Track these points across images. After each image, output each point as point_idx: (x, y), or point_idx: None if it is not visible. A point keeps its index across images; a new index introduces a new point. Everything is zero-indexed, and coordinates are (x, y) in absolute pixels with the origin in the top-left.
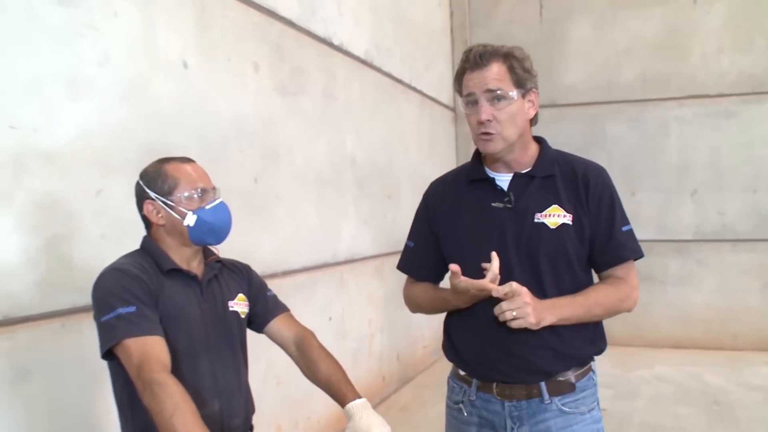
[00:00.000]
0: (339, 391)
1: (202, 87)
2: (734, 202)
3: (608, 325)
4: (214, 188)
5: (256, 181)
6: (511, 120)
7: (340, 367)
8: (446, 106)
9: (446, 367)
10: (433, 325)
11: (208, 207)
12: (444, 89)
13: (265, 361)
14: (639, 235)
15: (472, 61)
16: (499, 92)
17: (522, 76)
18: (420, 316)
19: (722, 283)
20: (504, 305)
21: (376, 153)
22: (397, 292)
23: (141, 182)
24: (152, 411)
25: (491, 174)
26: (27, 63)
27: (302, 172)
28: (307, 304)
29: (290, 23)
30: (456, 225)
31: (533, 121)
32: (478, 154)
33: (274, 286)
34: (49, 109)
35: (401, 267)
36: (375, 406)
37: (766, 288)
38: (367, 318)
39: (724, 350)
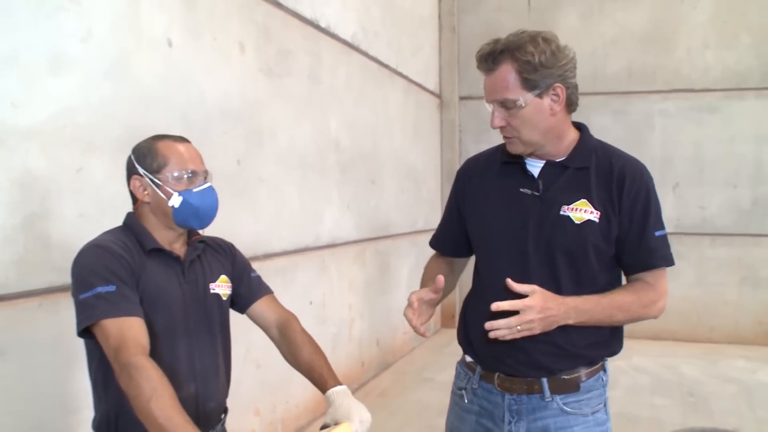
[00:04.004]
0: (320, 377)
1: (187, 66)
2: (715, 196)
3: None
4: (205, 171)
5: (239, 162)
6: (525, 124)
7: (321, 353)
8: (432, 93)
9: (425, 353)
10: None
11: (195, 190)
12: (430, 75)
13: (245, 345)
14: None
15: (480, 65)
16: (505, 102)
17: (533, 77)
18: (401, 302)
19: (700, 276)
20: (513, 321)
21: (361, 138)
22: (378, 277)
23: (132, 156)
24: (129, 395)
25: (524, 158)
26: (6, 36)
27: (286, 155)
28: (287, 288)
29: (277, 4)
30: (480, 206)
31: (571, 108)
32: None
33: (255, 269)
34: (29, 84)
35: (430, 242)
36: (354, 392)
37: (743, 282)
38: (347, 303)
39: (701, 343)
